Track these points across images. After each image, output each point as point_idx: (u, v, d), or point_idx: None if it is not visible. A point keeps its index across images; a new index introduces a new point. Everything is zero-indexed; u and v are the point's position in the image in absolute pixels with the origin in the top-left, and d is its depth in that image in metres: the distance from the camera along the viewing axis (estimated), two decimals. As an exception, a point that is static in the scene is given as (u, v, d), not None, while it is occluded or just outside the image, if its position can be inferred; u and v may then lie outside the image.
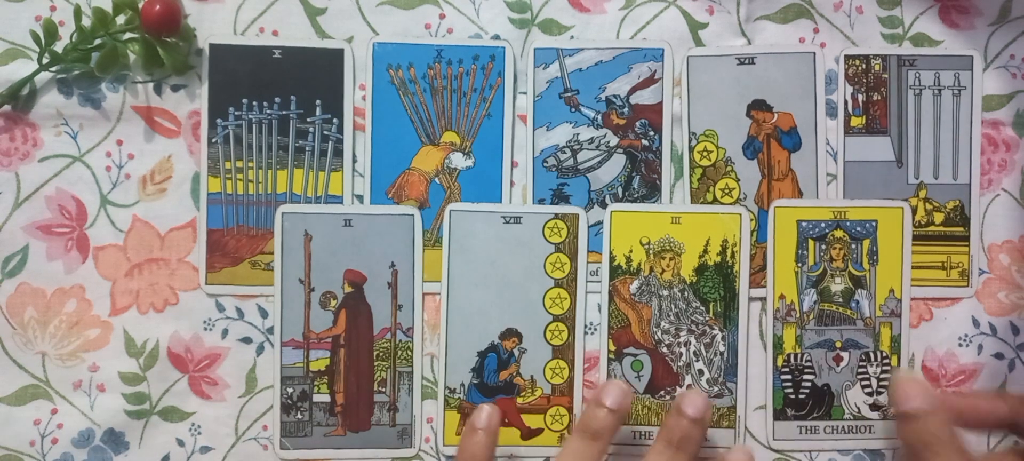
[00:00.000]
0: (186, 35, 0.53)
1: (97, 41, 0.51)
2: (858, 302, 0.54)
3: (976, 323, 0.55)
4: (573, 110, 0.54)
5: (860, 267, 0.54)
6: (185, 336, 0.54)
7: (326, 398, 0.54)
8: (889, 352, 0.54)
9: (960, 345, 0.55)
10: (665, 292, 0.54)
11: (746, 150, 0.54)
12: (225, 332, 0.54)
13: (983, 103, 0.54)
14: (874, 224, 0.54)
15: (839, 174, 0.54)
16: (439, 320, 0.54)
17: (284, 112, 0.53)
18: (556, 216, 0.54)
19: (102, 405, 0.53)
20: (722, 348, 0.54)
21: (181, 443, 0.54)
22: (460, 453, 0.49)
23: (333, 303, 0.54)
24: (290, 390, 0.54)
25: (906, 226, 0.54)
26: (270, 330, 0.54)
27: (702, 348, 0.54)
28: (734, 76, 0.54)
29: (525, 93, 0.54)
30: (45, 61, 0.52)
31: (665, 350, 0.54)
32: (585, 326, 0.54)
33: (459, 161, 0.54)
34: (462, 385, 0.54)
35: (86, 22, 0.51)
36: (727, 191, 0.54)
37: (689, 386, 0.54)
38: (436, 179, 0.54)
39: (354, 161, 0.54)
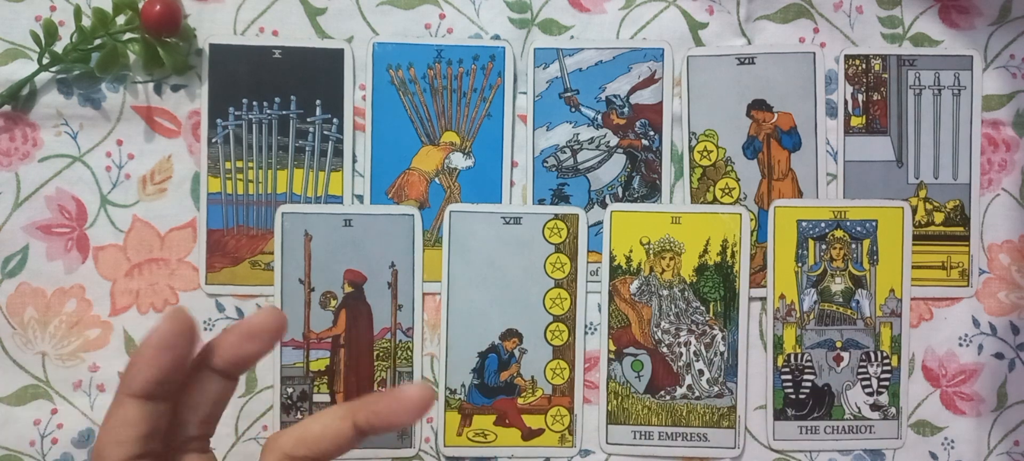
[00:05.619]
0: (186, 35, 0.53)
1: (97, 41, 0.51)
2: (858, 302, 0.54)
3: (976, 323, 0.55)
4: (573, 110, 0.54)
5: (860, 267, 0.54)
6: (185, 336, 0.53)
7: (326, 398, 0.54)
8: (889, 352, 0.54)
9: (960, 345, 0.55)
10: (665, 292, 0.54)
11: (746, 150, 0.54)
12: (225, 332, 0.54)
13: (983, 103, 0.54)
14: (874, 224, 0.54)
15: (839, 174, 0.54)
16: (439, 320, 0.54)
17: (284, 112, 0.53)
18: (556, 216, 0.54)
19: (102, 405, 0.53)
20: (722, 348, 0.54)
21: (181, 443, 0.54)
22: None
23: (333, 303, 0.54)
24: (290, 390, 0.54)
25: (906, 226, 0.54)
26: (270, 330, 0.54)
27: (702, 348, 0.54)
28: (734, 76, 0.54)
29: (525, 93, 0.54)
30: (45, 61, 0.51)
31: (665, 350, 0.54)
32: (585, 326, 0.54)
33: (459, 161, 0.54)
34: (463, 385, 0.54)
35: (86, 22, 0.51)
36: (727, 191, 0.54)
37: (689, 386, 0.54)
38: (436, 179, 0.54)
39: (354, 161, 0.54)
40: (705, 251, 0.54)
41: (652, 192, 0.54)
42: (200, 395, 0.32)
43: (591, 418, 0.54)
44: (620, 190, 0.54)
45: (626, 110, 0.54)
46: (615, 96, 0.54)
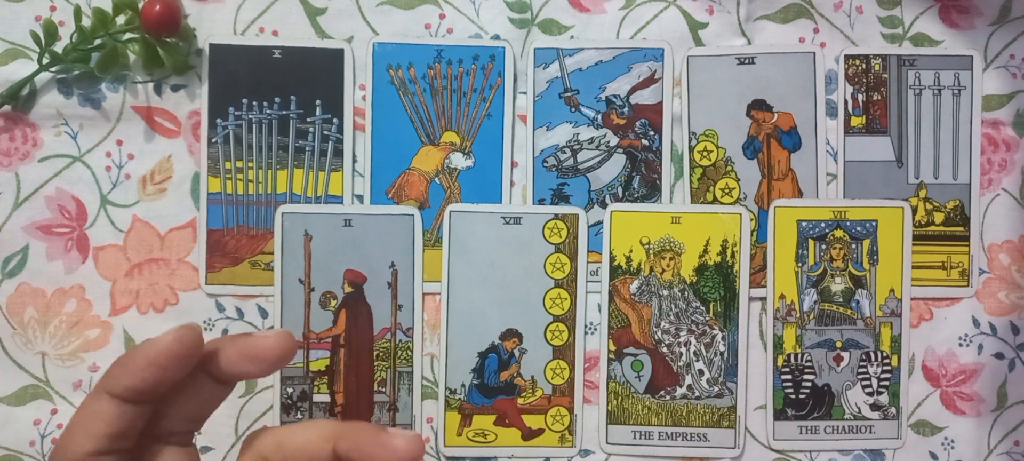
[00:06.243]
0: (186, 35, 0.53)
1: (97, 41, 0.51)
2: (858, 302, 0.54)
3: (976, 323, 0.55)
4: (573, 110, 0.54)
5: (860, 267, 0.54)
6: (185, 336, 0.53)
7: (326, 398, 0.54)
8: (889, 352, 0.54)
9: (960, 345, 0.55)
10: (665, 292, 0.54)
11: (746, 150, 0.54)
12: (225, 332, 0.54)
13: (983, 103, 0.54)
14: (874, 224, 0.54)
15: (839, 174, 0.54)
16: (439, 320, 0.54)
17: (284, 112, 0.53)
18: (556, 216, 0.54)
19: (102, 405, 0.53)
20: (722, 348, 0.54)
21: (181, 443, 0.54)
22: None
23: (333, 303, 0.54)
24: (290, 390, 0.54)
25: (906, 226, 0.54)
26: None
27: (702, 348, 0.54)
28: (734, 76, 0.54)
29: (525, 93, 0.54)
30: (45, 61, 0.51)
31: (665, 350, 0.54)
32: (585, 326, 0.54)
33: (459, 161, 0.54)
34: (463, 385, 0.54)
35: (86, 22, 0.51)
36: (727, 191, 0.54)
37: (689, 386, 0.54)
38: (436, 179, 0.54)
39: (354, 161, 0.54)
40: (705, 251, 0.54)
41: (652, 192, 0.54)
42: (191, 395, 0.31)
43: (591, 418, 0.54)
44: (620, 190, 0.54)
45: (626, 110, 0.54)
46: (615, 96, 0.54)
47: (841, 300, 0.54)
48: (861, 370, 0.54)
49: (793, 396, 0.54)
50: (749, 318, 0.54)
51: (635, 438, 0.54)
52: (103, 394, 0.29)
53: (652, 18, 0.54)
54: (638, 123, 0.54)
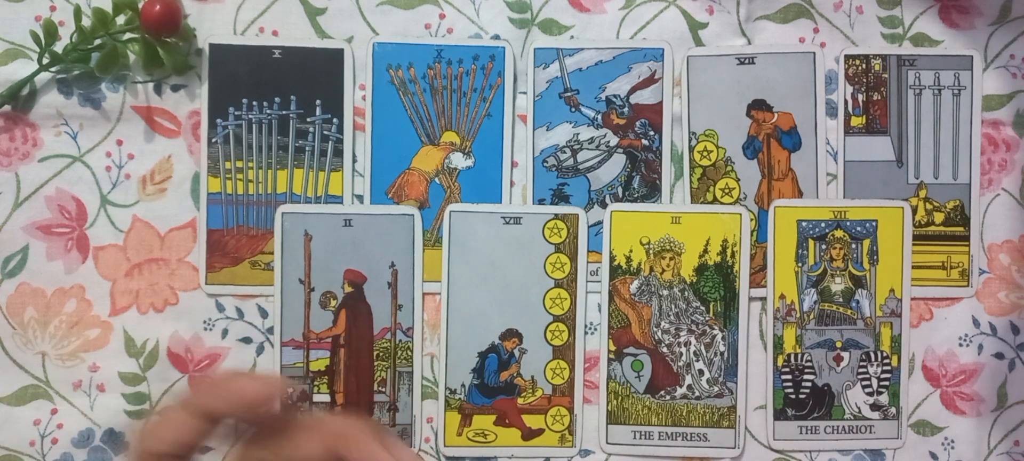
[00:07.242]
0: (186, 35, 0.53)
1: (97, 41, 0.51)
2: (858, 302, 0.54)
3: (976, 323, 0.55)
4: (573, 110, 0.54)
5: (860, 267, 0.54)
6: (185, 336, 0.54)
7: (326, 398, 0.54)
8: (889, 352, 0.54)
9: (960, 345, 0.55)
10: (665, 292, 0.54)
11: (746, 150, 0.54)
12: (225, 332, 0.54)
13: (983, 103, 0.54)
14: (874, 224, 0.54)
15: (839, 174, 0.54)
16: (439, 320, 0.54)
17: (284, 112, 0.53)
18: (556, 216, 0.54)
19: (102, 405, 0.53)
20: (722, 348, 0.54)
21: (181, 443, 0.54)
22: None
23: (333, 303, 0.54)
24: (290, 390, 0.54)
25: (906, 226, 0.54)
26: (270, 330, 0.54)
27: (702, 348, 0.54)
28: (734, 76, 0.54)
29: (525, 93, 0.54)
30: (45, 61, 0.51)
31: (665, 350, 0.54)
32: (585, 326, 0.54)
33: (459, 161, 0.54)
34: (463, 385, 0.54)
35: (86, 22, 0.51)
36: (727, 191, 0.54)
37: (689, 386, 0.54)
38: (436, 179, 0.54)
39: (354, 161, 0.54)
40: (705, 251, 0.54)
41: (652, 192, 0.54)
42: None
43: (591, 418, 0.54)
44: (620, 190, 0.54)
45: (626, 110, 0.54)
46: (615, 96, 0.54)
47: (841, 300, 0.54)
48: (861, 370, 0.54)
49: (793, 396, 0.54)
50: (749, 318, 0.54)
51: (635, 438, 0.54)
52: (187, 408, 0.33)
53: (652, 18, 0.54)
54: (638, 123, 0.54)
